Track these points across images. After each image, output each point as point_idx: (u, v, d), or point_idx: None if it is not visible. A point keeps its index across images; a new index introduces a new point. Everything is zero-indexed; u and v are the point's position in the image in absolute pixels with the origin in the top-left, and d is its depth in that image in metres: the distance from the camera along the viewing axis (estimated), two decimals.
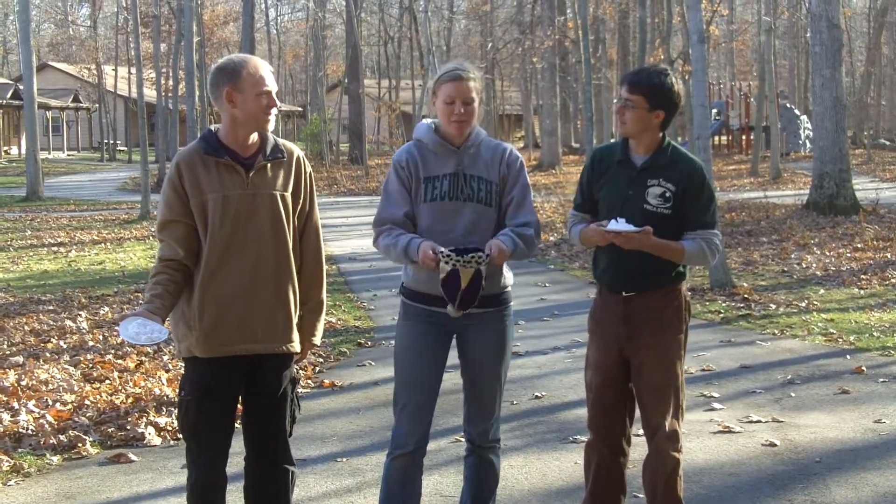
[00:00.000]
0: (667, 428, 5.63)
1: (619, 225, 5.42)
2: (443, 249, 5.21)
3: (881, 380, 9.71)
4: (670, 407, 5.65)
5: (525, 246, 5.43)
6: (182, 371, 5.45)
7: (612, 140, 36.54)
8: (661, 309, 5.66)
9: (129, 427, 8.48)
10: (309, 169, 5.50)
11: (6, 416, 8.64)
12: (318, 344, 5.69)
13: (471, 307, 5.37)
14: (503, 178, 5.54)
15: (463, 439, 5.90)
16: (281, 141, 5.41)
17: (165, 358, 11.00)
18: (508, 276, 5.63)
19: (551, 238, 22.53)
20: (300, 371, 9.93)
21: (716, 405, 8.93)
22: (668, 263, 5.60)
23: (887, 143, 60.72)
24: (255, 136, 5.30)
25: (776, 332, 12.14)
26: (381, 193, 5.61)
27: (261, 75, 5.22)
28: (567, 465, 7.48)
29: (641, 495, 5.97)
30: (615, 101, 5.61)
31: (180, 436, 5.69)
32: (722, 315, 13.25)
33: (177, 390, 5.80)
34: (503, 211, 5.52)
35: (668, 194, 5.57)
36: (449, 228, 5.44)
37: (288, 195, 5.33)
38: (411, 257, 5.33)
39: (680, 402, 5.71)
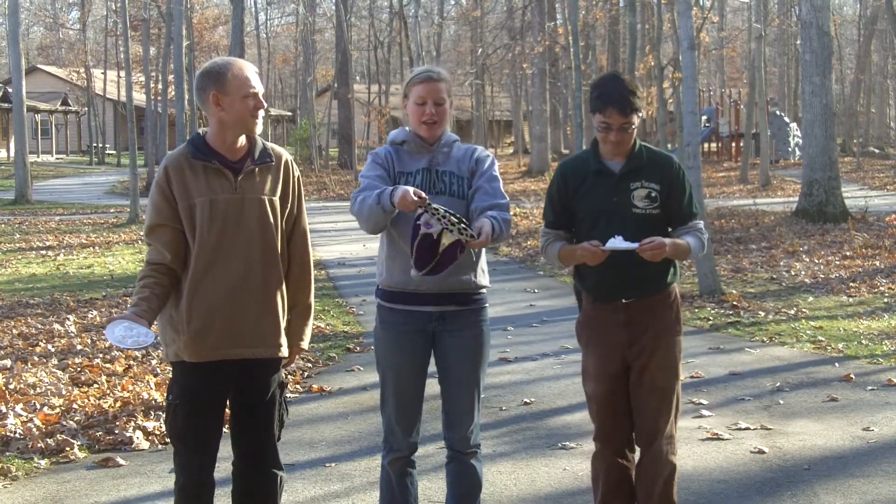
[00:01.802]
0: (666, 432, 5.62)
1: (618, 242, 5.36)
2: (428, 200, 5.13)
3: (869, 388, 9.72)
4: (671, 410, 5.63)
5: (503, 231, 5.38)
6: (170, 375, 5.44)
7: None
8: (662, 312, 5.63)
9: (117, 431, 8.46)
10: (297, 173, 5.49)
11: None
12: (306, 348, 5.68)
13: (429, 273, 5.25)
14: (472, 172, 5.55)
15: None
16: (269, 145, 5.40)
17: (154, 362, 10.98)
18: (484, 275, 5.62)
19: (540, 244, 22.51)
20: (289, 376, 9.92)
21: (704, 412, 8.93)
22: (665, 267, 5.57)
23: (877, 150, 60.85)
24: (243, 140, 5.28)
25: (765, 339, 12.14)
26: (360, 181, 5.55)
27: (246, 76, 5.20)
28: (556, 472, 7.47)
29: None
30: (599, 128, 5.48)
31: (168, 440, 5.68)
32: (711, 322, 13.26)
33: (165, 394, 5.79)
34: (469, 199, 5.50)
35: (654, 194, 5.52)
36: None
37: (276, 199, 5.32)
38: (384, 204, 5.22)
39: (678, 404, 5.70)
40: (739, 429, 8.43)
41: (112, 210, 35.09)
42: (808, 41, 23.64)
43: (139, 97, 53.07)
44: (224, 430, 5.41)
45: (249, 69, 5.26)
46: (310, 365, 11.07)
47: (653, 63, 31.13)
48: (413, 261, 5.22)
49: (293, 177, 5.43)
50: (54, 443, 8.19)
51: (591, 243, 5.43)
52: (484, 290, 5.64)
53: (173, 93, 37.09)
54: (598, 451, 5.81)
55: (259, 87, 5.26)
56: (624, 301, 5.61)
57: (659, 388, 5.60)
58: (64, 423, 8.68)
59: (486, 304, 5.68)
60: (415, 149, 5.53)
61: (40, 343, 12.22)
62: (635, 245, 5.32)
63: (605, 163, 5.60)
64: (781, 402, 9.29)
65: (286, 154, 5.47)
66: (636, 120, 5.49)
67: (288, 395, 6.66)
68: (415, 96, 5.48)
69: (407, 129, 5.60)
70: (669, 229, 5.62)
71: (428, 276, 5.28)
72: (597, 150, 5.63)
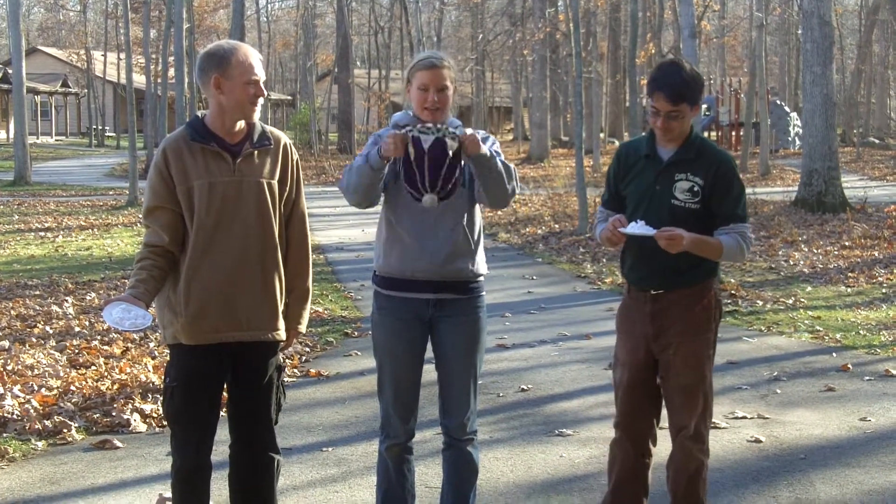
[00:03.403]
0: (692, 429, 5.60)
1: (636, 227, 5.36)
2: (408, 129, 5.31)
3: (867, 378, 9.72)
4: (698, 408, 5.60)
5: (503, 169, 5.37)
6: (168, 358, 5.45)
7: (602, 134, 36.28)
8: (690, 307, 5.58)
9: (114, 413, 8.47)
10: (296, 156, 5.48)
11: None
12: (304, 332, 5.68)
13: (442, 192, 5.35)
14: None
15: None
16: (268, 128, 5.39)
17: (151, 345, 10.99)
18: (481, 264, 5.62)
19: (539, 231, 22.54)
20: (286, 360, 9.93)
21: None
22: (697, 260, 5.51)
23: (877, 141, 60.78)
24: (241, 123, 5.28)
25: (763, 328, 12.15)
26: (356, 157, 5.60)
27: (250, 63, 5.19)
28: (552, 458, 7.48)
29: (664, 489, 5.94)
30: (650, 112, 5.48)
31: (165, 423, 5.70)
32: None
33: (162, 377, 5.80)
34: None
35: (696, 188, 5.47)
36: (423, 208, 5.44)
37: (274, 182, 5.32)
38: (373, 161, 5.28)
39: (708, 403, 5.66)
40: (736, 418, 8.44)
41: (111, 192, 35.12)
42: (809, 30, 23.59)
43: (139, 80, 52.98)
44: (221, 413, 5.42)
45: (254, 56, 5.25)
46: (308, 349, 11.07)
47: (654, 51, 31.15)
48: (424, 185, 5.33)
49: (292, 160, 5.43)
50: (51, 424, 8.19)
51: (616, 218, 5.46)
52: (481, 279, 5.64)
53: (173, 75, 37.01)
54: (617, 439, 5.82)
55: (261, 75, 5.25)
56: (653, 292, 5.61)
57: (683, 385, 5.58)
58: (61, 404, 8.69)
59: (483, 292, 5.68)
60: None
61: (38, 324, 12.22)
62: (653, 231, 5.32)
63: (656, 149, 5.60)
64: (778, 391, 9.29)
65: (285, 137, 5.46)
66: (687, 110, 5.43)
67: (286, 378, 6.68)
68: (418, 82, 5.45)
69: (410, 113, 5.59)
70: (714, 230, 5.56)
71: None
72: (653, 136, 5.62)
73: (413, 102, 5.52)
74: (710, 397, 5.69)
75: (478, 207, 5.60)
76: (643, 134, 5.87)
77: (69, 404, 8.70)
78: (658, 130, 5.51)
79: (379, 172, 5.30)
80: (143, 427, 8.30)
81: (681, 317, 5.57)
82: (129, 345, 11.01)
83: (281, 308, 5.38)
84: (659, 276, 5.57)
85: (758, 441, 7.82)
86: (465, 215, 5.50)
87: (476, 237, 5.56)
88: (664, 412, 5.78)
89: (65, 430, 8.10)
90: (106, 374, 9.72)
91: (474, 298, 5.60)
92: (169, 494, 5.58)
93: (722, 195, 5.51)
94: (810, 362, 10.39)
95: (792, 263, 17.25)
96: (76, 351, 10.74)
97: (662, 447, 5.85)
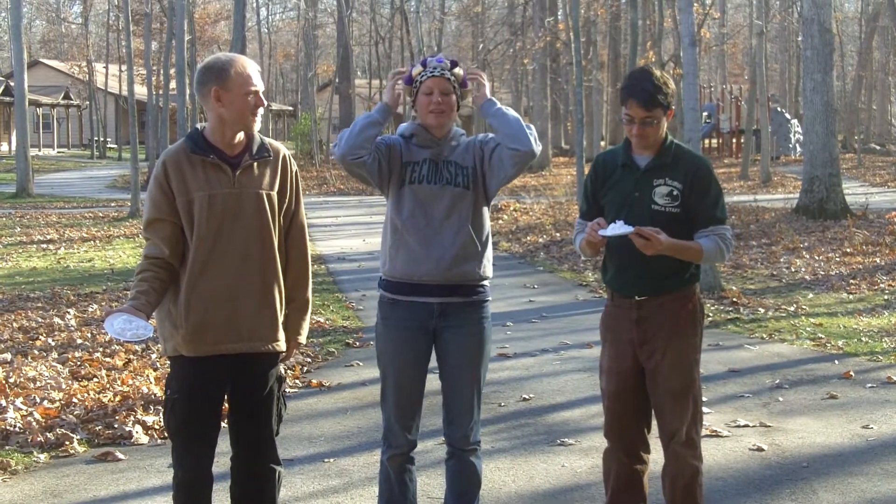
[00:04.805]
0: (683, 436, 5.60)
1: (615, 227, 5.34)
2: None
3: (869, 385, 9.71)
4: (688, 413, 5.60)
5: (510, 112, 5.57)
6: (169, 370, 5.45)
7: (602, 142, 36.23)
8: (675, 312, 5.58)
9: (116, 425, 8.46)
10: (295, 168, 5.50)
11: None
12: (304, 343, 5.69)
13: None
14: (480, 157, 5.60)
15: None
16: (267, 140, 5.40)
17: (153, 356, 10.97)
18: (489, 267, 5.64)
19: (540, 240, 22.54)
20: (288, 370, 9.92)
21: (703, 409, 8.89)
22: (680, 265, 5.53)
23: (878, 147, 60.77)
24: (241, 135, 5.29)
25: (765, 336, 12.14)
26: None
27: (248, 74, 5.21)
28: (554, 468, 7.47)
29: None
30: (624, 120, 5.50)
31: (167, 435, 5.70)
32: (710, 318, 13.22)
33: (164, 389, 5.81)
34: (489, 156, 5.57)
35: (675, 193, 5.49)
36: (427, 212, 5.50)
37: (274, 194, 5.33)
38: (375, 112, 5.51)
39: (698, 408, 5.67)
40: (738, 426, 8.42)
41: (113, 204, 35.12)
42: (809, 38, 23.60)
43: (141, 91, 53.01)
44: (223, 424, 5.42)
45: (251, 67, 5.27)
46: (309, 360, 11.06)
47: (654, 59, 31.14)
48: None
49: (291, 171, 5.44)
50: (54, 437, 8.19)
51: (596, 221, 5.45)
52: (486, 283, 5.65)
53: (175, 87, 37.05)
54: (609, 449, 5.81)
55: (260, 85, 5.27)
56: (637, 298, 5.61)
57: (672, 390, 5.58)
58: (63, 417, 8.68)
59: (489, 299, 5.68)
60: (423, 142, 5.58)
61: (40, 337, 12.22)
62: (631, 229, 5.32)
63: (633, 157, 5.61)
64: (781, 399, 9.28)
65: (284, 149, 5.47)
66: (661, 115, 5.46)
67: (287, 389, 6.67)
68: (423, 88, 5.53)
69: (415, 121, 5.64)
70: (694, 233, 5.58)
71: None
72: (629, 144, 5.64)
73: (419, 108, 5.59)
74: (699, 402, 5.70)
75: (485, 210, 5.64)
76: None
77: (71, 416, 8.69)
78: (634, 138, 5.53)
79: (379, 126, 5.48)
80: (145, 439, 8.30)
81: (666, 322, 5.57)
82: (131, 356, 11.01)
83: (281, 319, 5.39)
84: (643, 282, 5.58)
85: (760, 449, 7.81)
86: (471, 217, 5.53)
87: (483, 239, 5.59)
88: (654, 421, 5.79)
89: (67, 443, 8.10)
90: (108, 385, 9.71)
91: (479, 307, 5.61)
92: None
93: (700, 197, 5.54)
94: (812, 370, 10.38)
95: (793, 270, 17.25)
96: (78, 363, 10.73)
97: (658, 456, 5.84)
